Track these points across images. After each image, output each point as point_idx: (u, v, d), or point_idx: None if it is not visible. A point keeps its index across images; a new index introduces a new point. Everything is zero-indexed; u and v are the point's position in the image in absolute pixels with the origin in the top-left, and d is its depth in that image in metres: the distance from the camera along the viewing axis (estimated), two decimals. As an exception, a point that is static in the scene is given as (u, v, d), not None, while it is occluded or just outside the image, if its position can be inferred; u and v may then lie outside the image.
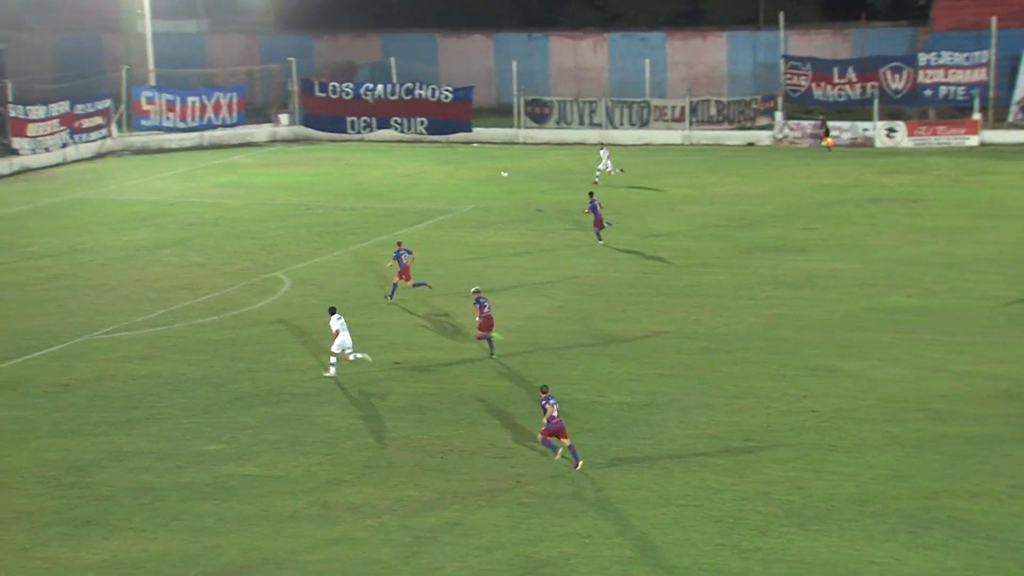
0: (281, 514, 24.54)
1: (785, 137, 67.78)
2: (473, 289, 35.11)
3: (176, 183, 59.83)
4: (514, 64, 71.87)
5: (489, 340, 33.76)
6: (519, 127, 70.44)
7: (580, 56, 78.96)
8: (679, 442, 27.81)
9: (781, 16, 71.63)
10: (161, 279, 42.13)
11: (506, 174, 54.54)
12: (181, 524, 24.14)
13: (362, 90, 70.98)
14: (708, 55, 77.38)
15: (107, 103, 68.29)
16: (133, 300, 39.80)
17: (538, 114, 70.80)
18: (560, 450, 26.84)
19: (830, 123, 66.29)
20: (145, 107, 69.84)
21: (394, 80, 72.22)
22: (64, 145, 65.23)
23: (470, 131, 69.86)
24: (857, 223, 49.05)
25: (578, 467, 26.34)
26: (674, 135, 68.88)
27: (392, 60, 74.23)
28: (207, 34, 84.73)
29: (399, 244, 39.88)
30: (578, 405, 30.02)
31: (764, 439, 27.80)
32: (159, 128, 70.10)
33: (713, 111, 69.15)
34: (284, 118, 72.68)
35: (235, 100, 71.41)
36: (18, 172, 62.48)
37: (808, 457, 26.75)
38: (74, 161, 65.35)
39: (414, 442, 28.01)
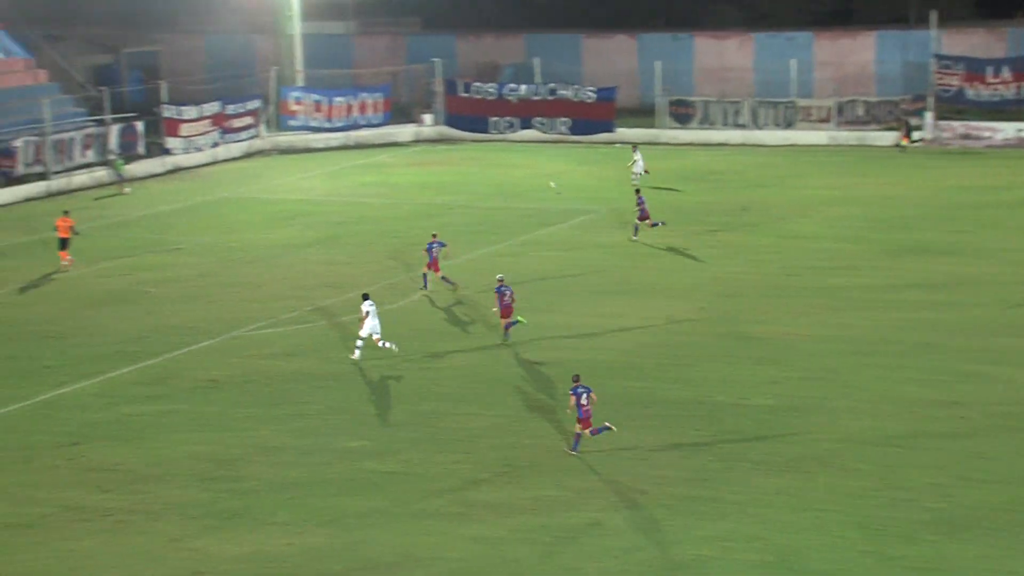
0: (421, 511, 24.78)
1: (936, 139, 66.41)
2: (498, 277, 35.36)
3: (322, 182, 60.74)
4: (658, 64, 71.52)
5: (507, 328, 34.76)
6: (662, 127, 70.10)
7: (725, 56, 78.27)
8: (822, 446, 27.44)
9: (933, 15, 70.16)
10: (306, 277, 42.80)
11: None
12: (324, 519, 24.52)
13: (505, 90, 71.27)
14: (856, 54, 76.10)
15: (256, 103, 69.59)
16: (279, 298, 40.50)
17: (681, 114, 70.38)
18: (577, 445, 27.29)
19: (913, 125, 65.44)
20: (293, 107, 71.01)
21: (537, 80, 72.39)
22: (215, 144, 66.63)
23: (612, 131, 69.69)
24: (1008, 226, 47.86)
25: (573, 453, 27.10)
26: (820, 135, 67.92)
27: (535, 60, 74.39)
28: (354, 35, 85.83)
29: (434, 236, 40.69)
30: (719, 407, 29.80)
31: (910, 444, 27.29)
32: (306, 128, 71.21)
33: (860, 111, 68.05)
34: (428, 118, 73.29)
35: (380, 100, 72.24)
36: (171, 171, 63.99)
37: (956, 464, 26.19)
38: (224, 160, 66.73)
39: (554, 442, 28.06)
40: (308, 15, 76.44)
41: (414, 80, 77.78)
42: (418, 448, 27.89)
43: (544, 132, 70.51)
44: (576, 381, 27.24)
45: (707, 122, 69.77)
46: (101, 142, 61.51)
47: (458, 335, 36.17)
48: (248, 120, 68.87)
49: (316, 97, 71.25)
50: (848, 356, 33.34)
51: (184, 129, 64.98)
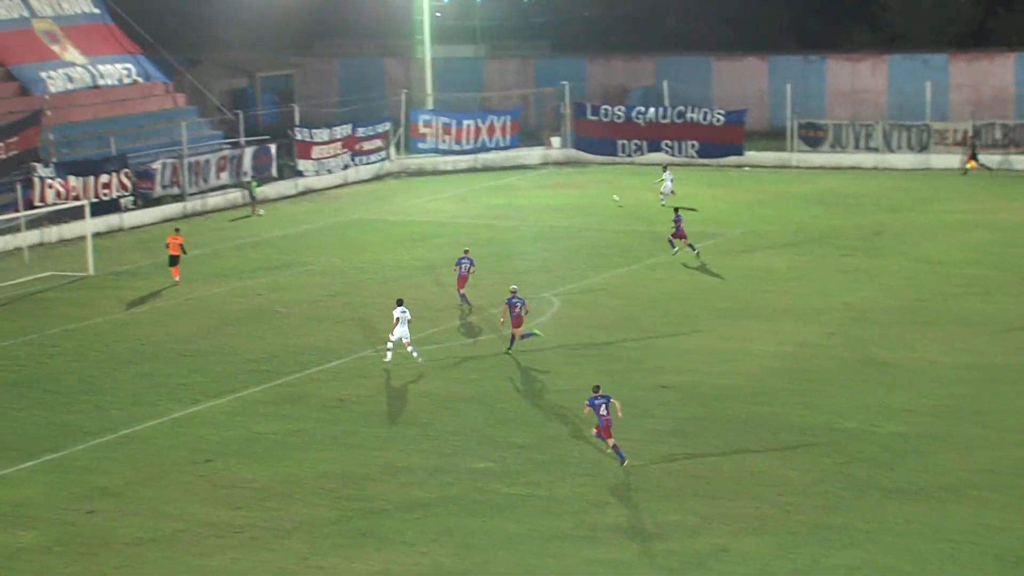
0: (547, 534, 24.81)
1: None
2: (511, 288, 35.15)
3: (450, 204, 61.22)
4: (788, 87, 70.91)
5: (512, 339, 35.35)
6: (792, 150, 69.43)
7: (857, 78, 77.32)
8: (955, 475, 26.90)
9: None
10: (434, 298, 43.14)
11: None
12: (450, 540, 24.67)
13: (633, 113, 71.20)
14: (995, 77, 74.68)
15: (387, 126, 70.41)
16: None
17: (812, 137, 69.63)
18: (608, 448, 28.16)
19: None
20: (422, 130, 71.72)
21: (666, 103, 72.22)
22: (345, 167, 67.56)
23: (741, 154, 69.20)
24: None
25: (624, 464, 27.65)
26: (954, 159, 66.71)
27: (664, 83, 74.23)
28: (484, 59, 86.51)
29: (465, 251, 42.16)
30: (849, 434, 29.39)
31: (1048, 476, 26.63)
32: (435, 151, 71.87)
33: (998, 134, 66.71)
34: (556, 141, 73.49)
35: (509, 123, 72.62)
36: (303, 193, 64.99)
37: (1096, 497, 25.50)
38: (354, 182, 67.60)
39: (679, 466, 27.91)
40: (439, 39, 77.25)
41: (543, 103, 78.08)
42: (544, 470, 27.93)
43: (672, 155, 70.25)
44: (596, 391, 28.21)
45: (838, 145, 68.94)
46: (235, 164, 62.76)
47: (584, 358, 36.16)
48: (378, 143, 69.74)
49: (445, 120, 71.89)
50: (982, 384, 32.65)
51: (316, 151, 66.01)
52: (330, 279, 46.44)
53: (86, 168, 56.50)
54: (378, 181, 68.27)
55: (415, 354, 35.31)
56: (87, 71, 64.88)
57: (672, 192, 57.29)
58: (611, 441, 27.99)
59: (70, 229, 54.10)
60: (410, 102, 72.92)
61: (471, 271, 41.60)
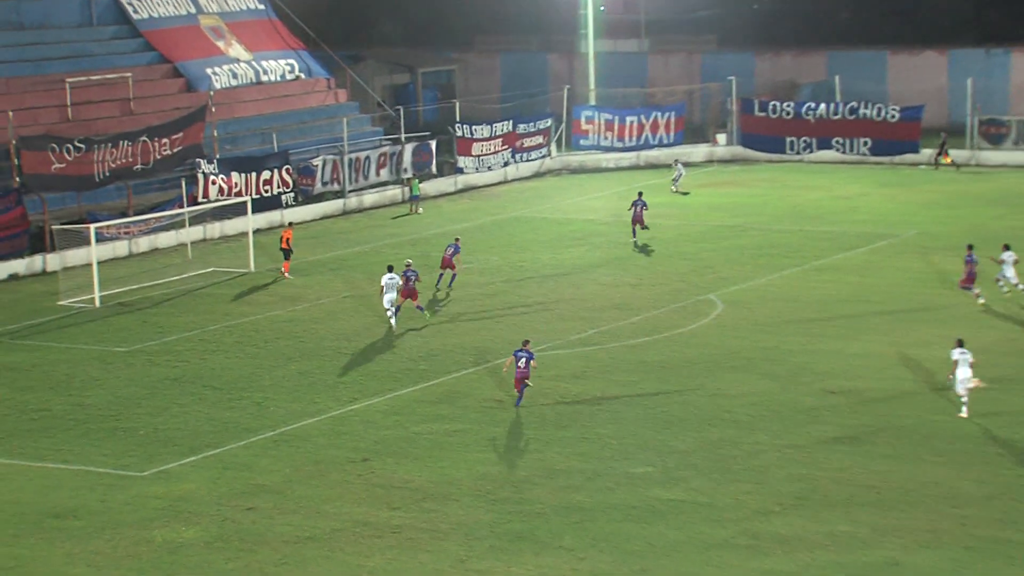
0: (709, 542, 24.62)
1: None
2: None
3: (611, 202, 61.13)
4: (969, 81, 69.24)
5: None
6: (972, 148, 67.80)
7: (1044, 72, 75.30)
8: None
9: None
10: (594, 298, 43.14)
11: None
12: (609, 545, 24.63)
13: (803, 109, 70.27)
14: None
15: (548, 122, 70.63)
16: (566, 318, 40.94)
17: (994, 134, 67.90)
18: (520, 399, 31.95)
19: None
20: (584, 126, 71.77)
21: (837, 99, 71.11)
22: (506, 164, 67.97)
23: (917, 152, 67.78)
24: None
25: (517, 407, 31.71)
26: None
27: (836, 78, 73.09)
28: (648, 53, 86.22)
29: (456, 240, 45.20)
30: (1030, 446, 28.60)
31: None
32: (596, 147, 71.87)
33: None
34: (721, 138, 72.92)
35: (673, 119, 72.23)
36: (462, 190, 65.56)
37: None
38: (514, 180, 67.97)
39: (848, 475, 27.47)
40: (602, 33, 77.23)
41: (709, 99, 77.53)
42: (705, 476, 27.73)
43: (843, 153, 69.14)
44: (524, 345, 32.29)
45: (1022, 142, 67.11)
46: (395, 161, 63.59)
47: (748, 362, 35.80)
48: (539, 139, 69.99)
49: (607, 116, 71.80)
50: None
51: (476, 148, 66.53)
52: (489, 278, 46.73)
53: (248, 164, 57.78)
54: (538, 178, 68.55)
55: (394, 318, 39.57)
56: (251, 67, 66.36)
57: (676, 189, 60.50)
58: (520, 389, 32.15)
59: (232, 225, 55.40)
60: (572, 98, 73.03)
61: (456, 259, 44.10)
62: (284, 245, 47.59)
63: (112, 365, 37.54)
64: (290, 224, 49.14)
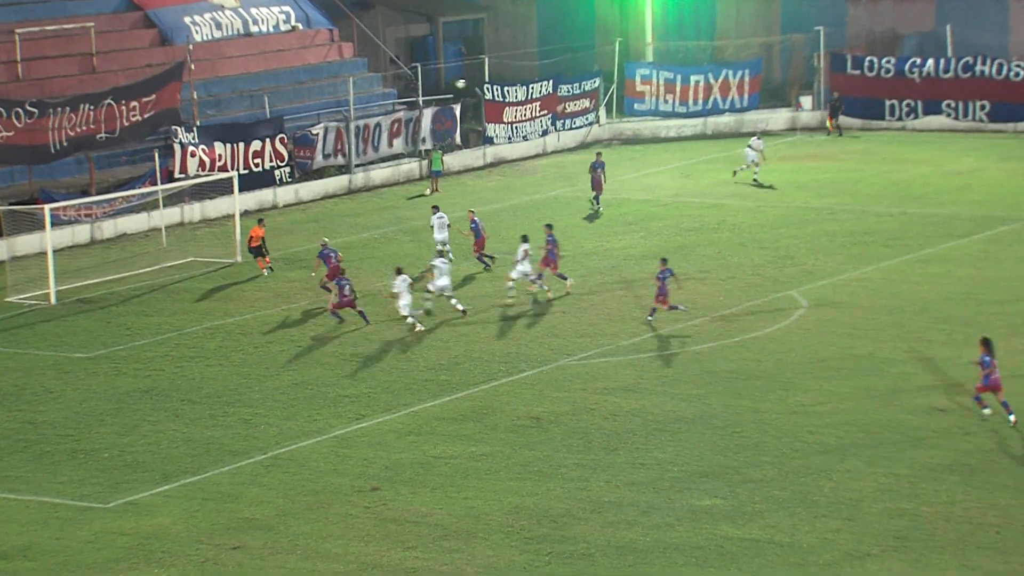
0: (789, 590, 24.65)
1: None
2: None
3: (671, 179, 61.10)
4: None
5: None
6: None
7: None
8: None
9: None
10: (650, 295, 43.10)
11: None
12: (667, 593, 24.68)
13: (907, 66, 70.10)
14: None
15: (595, 83, 70.63)
16: (615, 319, 40.96)
17: None
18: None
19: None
20: (639, 88, 71.77)
21: (948, 54, 70.88)
22: (544, 133, 67.99)
23: (1047, 117, 67.71)
24: None
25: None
26: None
27: (947, 28, 72.86)
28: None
29: (471, 212, 47.08)
30: None
31: None
32: (655, 113, 71.88)
33: None
34: (807, 101, 72.75)
35: (747, 79, 72.16)
36: (492, 164, 65.65)
37: None
38: (554, 152, 68.00)
39: (960, 510, 27.44)
40: (661, -26, 77.11)
41: (791, 54, 77.35)
42: (786, 511, 27.73)
43: (955, 119, 68.97)
44: (664, 264, 38.28)
45: None
46: (412, 129, 63.60)
47: (839, 373, 35.76)
48: (585, 103, 70.02)
49: (668, 75, 71.77)
50: None
51: (509, 114, 66.55)
52: (524, 270, 46.74)
53: (235, 133, 58.03)
54: (584, 150, 68.51)
55: (413, 317, 40.17)
56: (238, 16, 66.48)
57: (744, 166, 59.48)
58: (664, 307, 37.87)
59: (215, 207, 55.63)
60: (625, 53, 72.99)
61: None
62: (253, 245, 47.32)
63: (71, 374, 37.77)
64: (260, 221, 47.96)
